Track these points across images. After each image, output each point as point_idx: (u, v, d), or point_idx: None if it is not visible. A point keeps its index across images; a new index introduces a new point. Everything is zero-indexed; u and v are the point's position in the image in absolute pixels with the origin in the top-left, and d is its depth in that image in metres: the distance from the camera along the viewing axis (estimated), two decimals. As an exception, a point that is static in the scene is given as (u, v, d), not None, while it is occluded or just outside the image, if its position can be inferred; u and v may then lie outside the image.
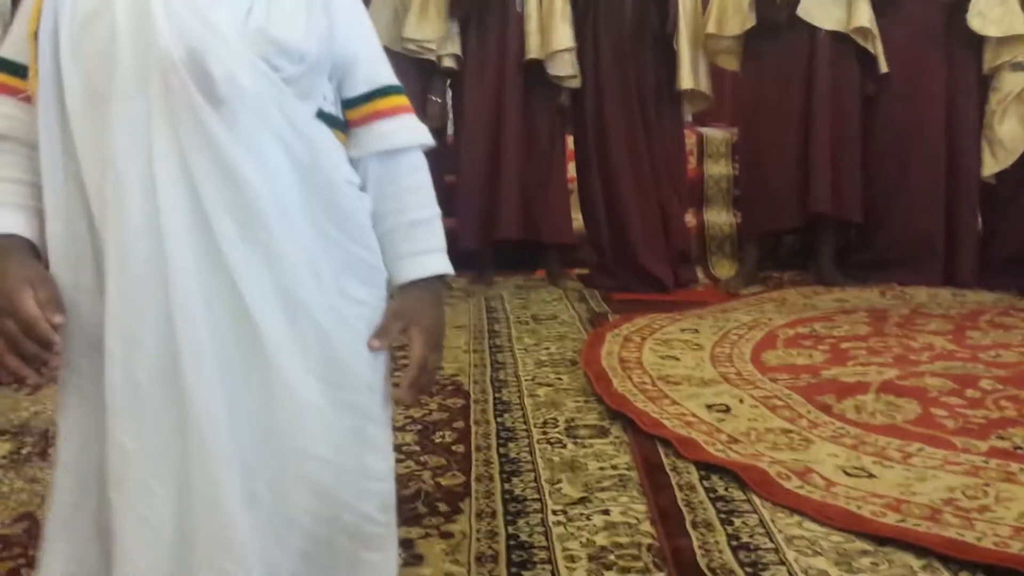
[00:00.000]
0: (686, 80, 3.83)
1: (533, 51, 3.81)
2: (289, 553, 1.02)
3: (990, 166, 3.67)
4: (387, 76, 1.12)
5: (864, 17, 3.68)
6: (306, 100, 1.02)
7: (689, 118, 4.71)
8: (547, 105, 3.95)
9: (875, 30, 3.72)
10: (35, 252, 1.01)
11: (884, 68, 3.76)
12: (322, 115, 1.06)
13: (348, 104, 1.10)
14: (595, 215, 4.00)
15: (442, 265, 1.15)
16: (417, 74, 3.84)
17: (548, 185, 3.98)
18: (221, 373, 0.98)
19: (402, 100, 1.13)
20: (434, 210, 1.14)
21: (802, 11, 3.69)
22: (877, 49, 3.75)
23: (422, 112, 3.87)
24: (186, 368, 0.97)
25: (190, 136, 0.96)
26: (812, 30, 3.72)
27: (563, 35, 3.77)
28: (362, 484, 1.07)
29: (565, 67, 3.81)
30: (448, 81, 3.99)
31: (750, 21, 3.76)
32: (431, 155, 1.15)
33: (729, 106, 4.93)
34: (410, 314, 1.12)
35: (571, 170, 4.14)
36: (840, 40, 3.74)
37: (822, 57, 3.74)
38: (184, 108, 0.96)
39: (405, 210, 1.12)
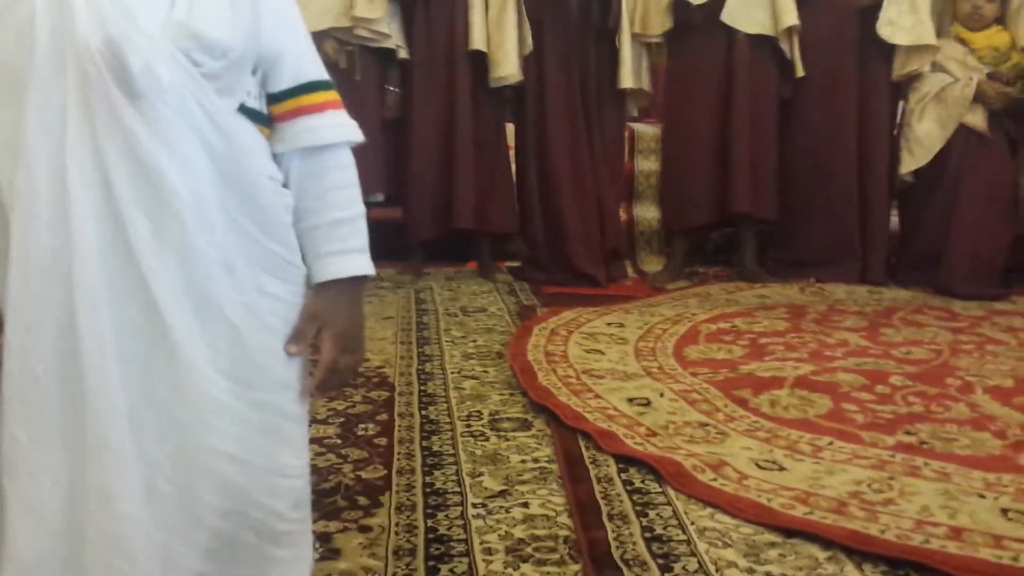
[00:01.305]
0: (626, 79, 3.86)
1: (477, 42, 3.79)
2: (193, 549, 1.02)
3: (908, 163, 3.78)
4: (314, 71, 1.11)
5: (792, 16, 3.76)
6: (227, 95, 1.01)
7: (635, 113, 4.74)
8: (493, 95, 3.95)
9: (797, 23, 3.80)
10: None
11: (800, 72, 3.85)
12: (245, 110, 1.05)
13: (272, 99, 1.09)
14: (531, 208, 4.02)
15: (362, 266, 1.13)
16: (375, 65, 3.84)
17: (495, 175, 3.98)
18: (123, 368, 0.98)
19: (330, 96, 1.12)
20: (358, 209, 1.13)
21: (726, 16, 3.75)
22: (795, 54, 3.84)
23: (381, 103, 3.87)
24: (86, 363, 0.96)
25: (105, 128, 0.95)
26: (731, 32, 3.79)
27: (512, 63, 3.76)
28: (273, 481, 1.07)
29: (509, 70, 3.80)
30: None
31: (668, 23, 3.81)
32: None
33: (660, 103, 4.99)
34: (324, 315, 1.11)
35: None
36: (759, 43, 3.82)
37: (740, 59, 3.81)
38: (100, 99, 0.94)
39: (327, 208, 1.10)
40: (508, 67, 3.79)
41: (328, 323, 1.11)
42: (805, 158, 3.94)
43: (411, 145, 3.88)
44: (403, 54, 3.86)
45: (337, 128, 1.11)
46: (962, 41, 3.75)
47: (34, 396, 0.98)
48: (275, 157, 1.09)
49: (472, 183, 3.89)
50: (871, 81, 3.86)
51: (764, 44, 3.83)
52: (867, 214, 3.93)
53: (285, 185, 1.09)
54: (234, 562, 1.06)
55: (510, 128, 4.13)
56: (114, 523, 0.98)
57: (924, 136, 3.72)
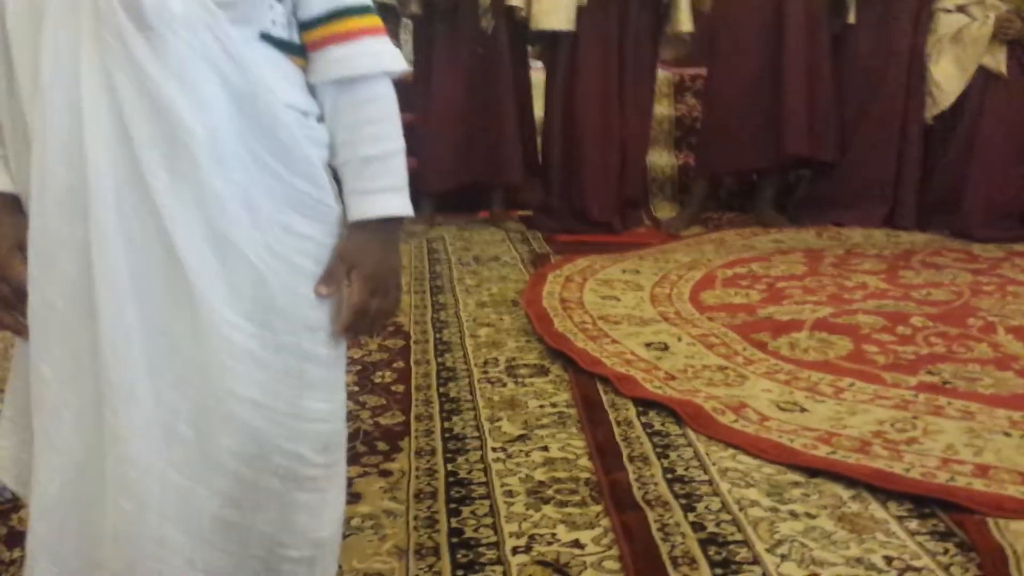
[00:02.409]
0: (685, 22, 3.74)
1: None
2: (213, 494, 1.00)
3: (930, 108, 3.72)
4: None
5: None
6: (244, 25, 0.96)
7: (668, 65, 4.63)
8: (517, 41, 3.87)
9: None
10: (19, 204, 0.99)
11: (852, 18, 3.75)
12: (270, 39, 1.00)
13: (304, 26, 1.04)
14: (551, 151, 3.96)
15: (394, 206, 1.07)
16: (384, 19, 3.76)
17: (514, 126, 3.89)
18: (141, 309, 0.95)
19: (366, 22, 1.05)
20: (393, 145, 1.07)
21: None
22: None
23: None
24: (101, 302, 0.94)
25: (118, 63, 0.91)
26: None
27: (568, 14, 3.64)
28: (298, 426, 1.04)
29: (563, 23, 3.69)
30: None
31: None
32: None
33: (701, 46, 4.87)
34: (353, 256, 1.06)
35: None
36: None
37: None
38: (112, 33, 0.91)
39: (359, 143, 1.05)
40: (561, 19, 3.66)
41: (357, 264, 1.06)
42: (853, 95, 3.84)
43: (431, 99, 3.81)
44: (415, 9, 3.77)
45: (371, 57, 1.04)
46: None
47: (55, 332, 0.96)
48: (312, 89, 1.05)
49: (495, 135, 3.82)
50: (923, 14, 3.75)
51: None
52: (903, 155, 3.85)
53: (322, 118, 1.05)
54: (257, 507, 1.03)
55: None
56: (121, 464, 0.96)
57: (944, 79, 3.64)
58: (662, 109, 4.53)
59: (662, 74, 4.61)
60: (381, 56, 1.05)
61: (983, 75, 3.61)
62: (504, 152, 3.92)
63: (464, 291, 3.04)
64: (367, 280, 1.07)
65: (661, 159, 4.40)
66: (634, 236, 3.89)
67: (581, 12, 3.72)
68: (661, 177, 4.33)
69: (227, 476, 1.01)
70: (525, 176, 4.01)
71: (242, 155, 0.96)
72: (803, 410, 2.04)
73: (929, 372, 2.26)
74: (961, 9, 3.66)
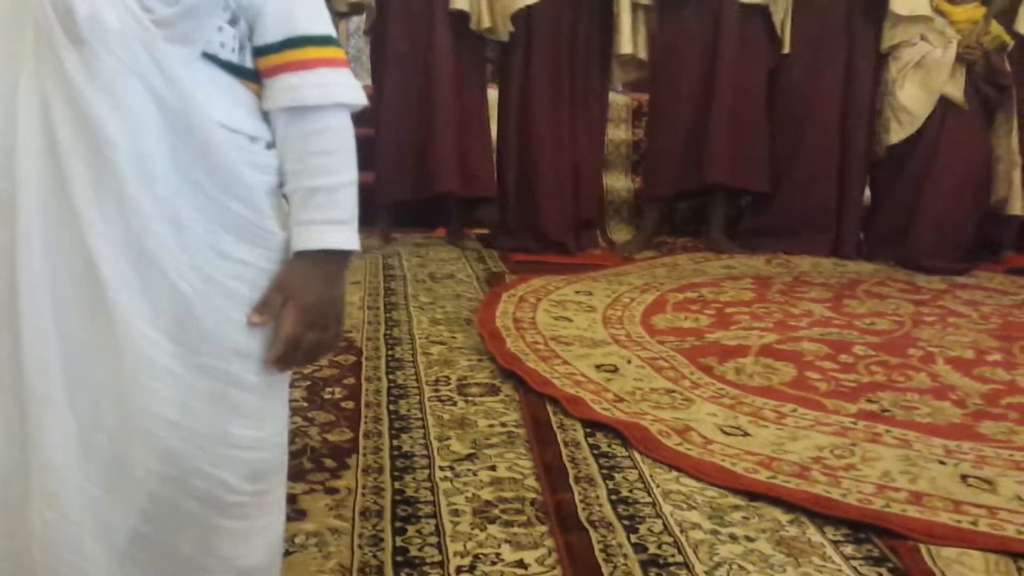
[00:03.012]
0: (624, 44, 3.82)
1: (458, 1, 3.74)
2: (130, 508, 0.99)
3: (897, 132, 3.78)
4: (305, 25, 1.03)
5: None
6: (183, 44, 0.96)
7: (619, 87, 4.69)
8: (473, 56, 3.91)
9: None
10: None
11: (787, 48, 3.86)
12: (217, 61, 1.00)
13: (258, 52, 1.03)
14: (506, 172, 3.99)
15: (336, 239, 1.05)
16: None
17: (473, 138, 3.93)
18: (60, 319, 0.95)
19: (323, 52, 1.03)
20: (341, 177, 1.05)
21: None
22: (786, 26, 3.84)
23: None
24: (22, 309, 0.95)
25: (51, 75, 0.92)
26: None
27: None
28: (221, 451, 1.02)
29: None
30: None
31: None
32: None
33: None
34: (291, 287, 1.04)
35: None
36: (749, 11, 3.80)
37: (729, 27, 3.79)
38: (48, 45, 0.92)
39: (305, 174, 1.04)
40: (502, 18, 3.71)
41: (294, 295, 1.04)
42: (788, 127, 3.94)
43: (382, 108, 3.83)
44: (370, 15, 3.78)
45: (323, 88, 1.03)
46: (941, 13, 3.76)
47: None
48: (266, 115, 1.05)
49: (452, 146, 3.84)
50: (858, 51, 3.87)
51: (754, 12, 3.82)
52: (844, 186, 3.95)
53: (272, 145, 1.05)
54: (177, 528, 1.02)
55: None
56: (42, 474, 0.96)
57: (910, 102, 3.72)
58: (620, 133, 4.60)
59: (620, 99, 4.68)
60: (334, 87, 1.04)
61: (941, 104, 3.70)
62: (475, 165, 3.94)
63: (418, 308, 3.05)
64: (303, 312, 1.04)
65: (618, 182, 4.45)
66: (589, 257, 3.93)
67: (533, 25, 3.77)
68: (617, 200, 4.38)
69: (145, 493, 1.00)
70: (493, 190, 4.04)
71: (172, 173, 0.96)
72: (746, 434, 2.08)
73: (869, 400, 2.31)
74: (921, 37, 3.76)
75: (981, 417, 2.23)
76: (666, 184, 4.03)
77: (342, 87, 1.05)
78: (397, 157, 3.79)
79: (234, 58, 1.02)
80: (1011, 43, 3.70)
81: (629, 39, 3.82)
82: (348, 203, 1.06)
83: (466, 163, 3.90)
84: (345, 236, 1.06)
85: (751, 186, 3.96)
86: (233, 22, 1.01)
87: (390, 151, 3.81)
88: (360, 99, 1.06)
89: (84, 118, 0.92)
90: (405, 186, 3.88)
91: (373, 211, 3.91)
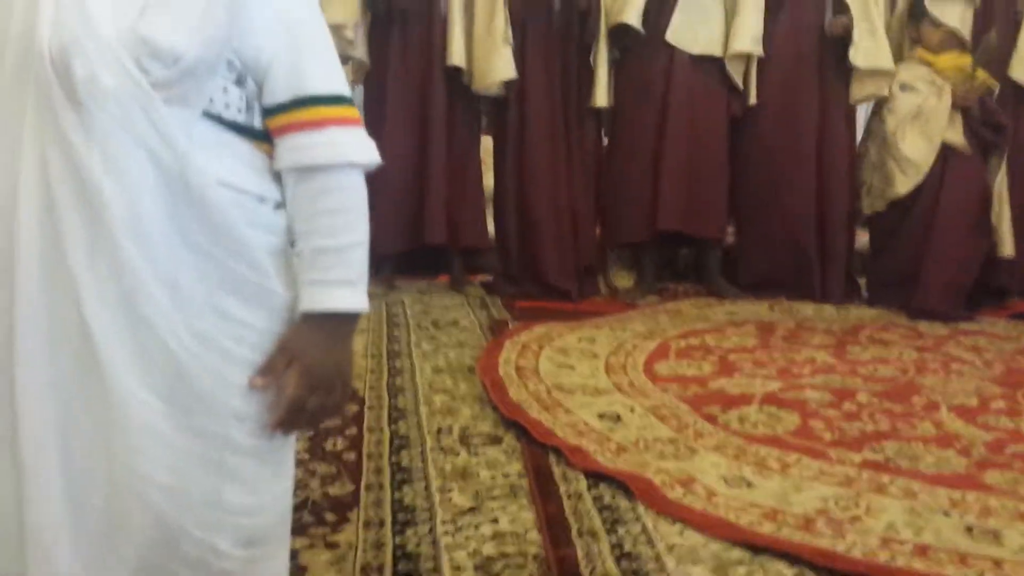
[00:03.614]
0: (600, 98, 3.88)
1: (455, 57, 3.79)
2: (122, 567, 0.98)
3: (904, 183, 3.79)
4: (316, 85, 1.03)
5: (745, 42, 3.80)
6: (181, 105, 0.96)
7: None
8: (467, 109, 3.96)
9: (757, 50, 3.84)
10: None
11: (753, 100, 3.90)
12: (222, 121, 1.00)
13: (267, 112, 1.04)
14: (506, 221, 4.02)
15: (344, 300, 1.03)
16: None
17: (466, 189, 3.98)
18: (56, 379, 0.96)
19: (335, 112, 1.03)
20: (350, 237, 1.04)
21: (671, 35, 3.78)
22: (751, 78, 3.89)
23: None
24: (18, 369, 0.95)
25: (50, 135, 0.93)
26: (675, 49, 3.81)
27: (506, 63, 3.74)
28: (214, 516, 1.01)
29: (504, 73, 3.79)
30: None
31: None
32: None
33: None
34: (296, 347, 1.03)
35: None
36: (704, 62, 3.84)
37: (680, 78, 3.84)
38: (47, 105, 0.93)
39: (314, 234, 1.04)
40: (501, 71, 3.76)
41: (299, 356, 1.03)
42: (762, 179, 3.97)
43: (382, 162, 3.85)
44: (359, 53, 3.81)
45: (331, 147, 1.02)
46: (926, 63, 3.80)
47: None
48: (277, 175, 1.05)
49: (443, 197, 3.89)
50: (830, 103, 3.91)
51: (710, 63, 3.87)
52: (825, 235, 3.96)
53: (282, 205, 1.05)
54: None
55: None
56: (33, 534, 0.96)
57: (913, 153, 3.74)
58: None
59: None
60: (344, 146, 1.04)
61: (942, 150, 3.72)
62: (467, 216, 3.98)
63: (421, 356, 3.05)
64: (307, 374, 1.03)
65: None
66: (592, 304, 3.94)
67: (526, 76, 3.82)
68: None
69: (135, 554, 0.99)
70: (485, 240, 4.07)
71: (170, 234, 0.96)
72: (750, 485, 2.07)
73: (873, 449, 2.30)
74: (907, 87, 3.79)
75: (986, 467, 2.21)
76: (623, 232, 4.05)
77: (352, 146, 1.04)
78: (391, 209, 3.81)
79: (240, 118, 1.02)
80: (997, 87, 3.74)
81: (605, 92, 3.88)
82: (356, 263, 1.05)
83: (457, 214, 3.94)
84: (352, 297, 1.05)
85: (705, 233, 3.99)
86: (240, 82, 1.02)
87: (384, 203, 3.83)
88: (372, 158, 1.06)
89: (80, 178, 0.93)
90: (399, 238, 3.90)
91: (376, 259, 3.92)
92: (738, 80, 3.92)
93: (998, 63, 3.78)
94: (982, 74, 3.73)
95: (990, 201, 3.79)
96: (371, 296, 3.55)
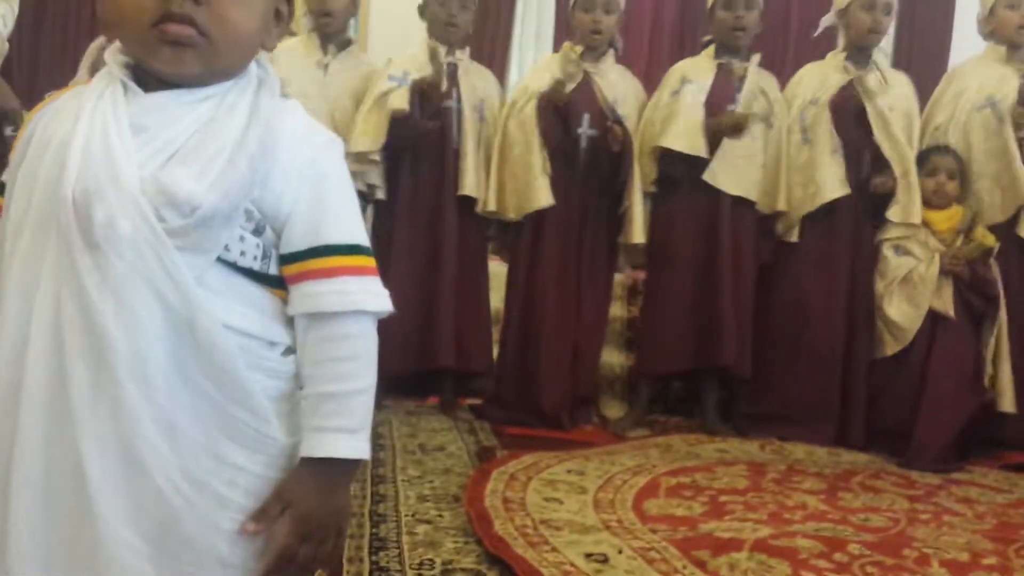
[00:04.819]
0: (637, 234, 3.91)
1: (468, 188, 3.89)
2: None
3: (891, 346, 3.82)
4: (332, 234, 1.05)
5: (786, 201, 3.93)
6: (196, 253, 0.98)
7: (628, 269, 4.79)
8: (476, 234, 4.04)
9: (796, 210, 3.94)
10: None
11: (795, 237, 3.97)
12: (237, 268, 1.02)
13: (284, 260, 1.06)
14: (507, 344, 4.04)
15: (343, 447, 1.03)
16: None
17: (473, 313, 4.02)
18: (47, 515, 0.96)
19: (348, 261, 1.05)
20: (356, 384, 1.05)
21: (708, 176, 3.87)
22: (792, 232, 3.97)
23: None
24: (11, 501, 0.95)
25: (65, 277, 0.96)
26: (716, 188, 3.89)
27: (545, 192, 3.82)
28: None
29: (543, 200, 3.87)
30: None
31: (654, 172, 3.94)
32: None
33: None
34: (291, 494, 1.03)
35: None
36: (743, 203, 3.93)
37: (723, 217, 3.91)
38: (65, 248, 0.96)
39: (320, 380, 1.05)
40: (540, 199, 3.84)
41: (293, 503, 1.02)
42: (793, 318, 3.99)
43: (388, 285, 3.89)
44: (380, 195, 3.92)
45: (343, 295, 1.04)
46: (924, 223, 3.85)
47: None
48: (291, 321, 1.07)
49: (452, 322, 3.92)
50: (863, 249, 3.97)
51: (747, 205, 3.94)
52: (850, 377, 3.96)
53: (292, 350, 1.06)
54: None
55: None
56: None
57: (900, 318, 3.77)
58: (615, 310, 4.65)
59: (617, 276, 4.77)
60: (354, 295, 1.05)
61: (931, 316, 3.75)
62: (473, 340, 3.99)
63: (406, 482, 3.00)
64: (300, 522, 1.02)
65: (612, 358, 4.48)
66: (581, 433, 3.90)
67: (542, 213, 3.89)
68: (611, 376, 4.39)
69: None
70: (489, 365, 4.07)
71: (172, 376, 0.97)
72: (739, 640, 2.01)
73: (865, 605, 2.25)
74: (902, 250, 3.86)
75: (981, 630, 2.16)
76: (663, 361, 4.05)
77: (364, 294, 1.06)
78: (397, 333, 3.82)
79: (256, 266, 1.04)
80: (996, 245, 3.79)
81: (642, 229, 3.92)
82: (360, 410, 1.06)
83: (464, 340, 3.95)
84: (352, 444, 1.04)
85: (742, 370, 3.99)
86: (257, 232, 1.04)
87: (390, 328, 3.84)
88: (383, 306, 1.07)
89: (90, 319, 0.95)
90: (403, 360, 3.89)
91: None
92: (779, 228, 4.01)
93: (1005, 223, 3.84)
94: (979, 232, 3.79)
95: (982, 365, 3.79)
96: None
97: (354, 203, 1.09)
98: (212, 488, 0.99)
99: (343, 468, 1.05)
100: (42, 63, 6.57)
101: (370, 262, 1.08)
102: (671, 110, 3.90)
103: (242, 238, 1.02)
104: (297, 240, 1.05)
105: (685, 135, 3.84)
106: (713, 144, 3.86)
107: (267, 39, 1.08)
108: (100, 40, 3.49)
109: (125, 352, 0.95)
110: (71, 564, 0.96)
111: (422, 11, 4.02)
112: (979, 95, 3.91)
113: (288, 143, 1.04)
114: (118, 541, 0.95)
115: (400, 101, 3.73)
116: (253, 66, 1.08)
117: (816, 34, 4.16)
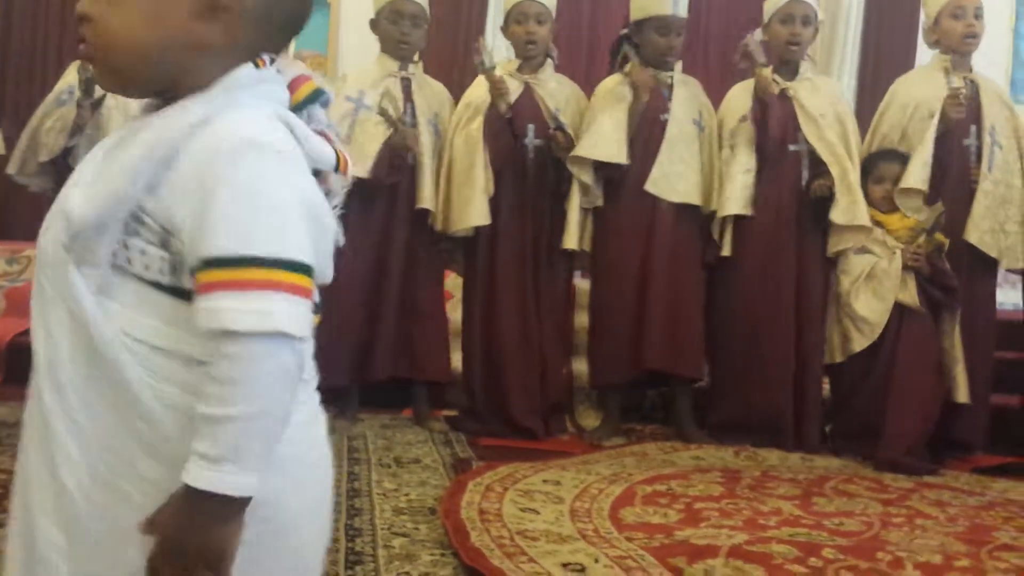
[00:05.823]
0: (571, 240, 3.95)
1: (426, 201, 3.89)
2: None
3: (859, 342, 3.85)
4: (209, 247, 0.97)
5: (734, 206, 3.95)
6: (87, 265, 1.03)
7: (579, 274, 4.82)
8: (429, 247, 4.04)
9: (746, 211, 3.97)
10: None
11: (727, 252, 4.00)
12: (145, 281, 1.02)
13: (191, 272, 1.01)
14: (472, 357, 4.03)
15: (198, 476, 0.95)
16: None
17: (426, 324, 4.01)
18: (19, 516, 1.09)
19: (225, 275, 0.96)
20: (229, 411, 0.95)
21: (651, 186, 3.90)
22: (726, 233, 4.01)
23: None
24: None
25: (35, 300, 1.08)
26: (656, 196, 3.93)
27: (482, 211, 3.85)
28: None
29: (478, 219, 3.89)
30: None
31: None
32: None
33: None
34: (158, 515, 0.98)
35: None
36: (684, 209, 3.96)
37: (662, 224, 3.94)
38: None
39: (202, 399, 0.97)
40: (476, 218, 3.86)
41: (155, 524, 0.98)
42: (740, 325, 4.03)
43: (331, 292, 3.87)
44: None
45: (207, 313, 0.96)
46: (878, 223, 3.92)
47: None
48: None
49: (395, 332, 3.93)
50: (807, 256, 4.01)
51: (689, 211, 3.99)
52: (802, 384, 3.99)
53: (203, 363, 1.02)
54: None
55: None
56: None
57: (867, 313, 3.82)
58: (582, 319, 4.66)
59: (586, 285, 4.78)
60: (224, 313, 0.96)
61: (897, 310, 3.80)
62: (431, 349, 3.98)
63: (382, 495, 2.99)
64: (161, 545, 0.98)
65: (584, 367, 4.48)
66: (557, 443, 3.91)
67: (498, 216, 3.91)
68: (586, 385, 4.40)
69: None
70: (447, 375, 4.06)
71: (80, 385, 1.03)
72: (716, 647, 2.01)
73: (840, 609, 2.26)
74: (862, 249, 3.91)
75: (954, 631, 2.18)
76: (610, 371, 4.07)
77: (236, 312, 0.95)
78: (337, 344, 3.77)
79: (163, 279, 1.02)
80: (947, 243, 3.86)
81: (575, 235, 3.95)
82: (228, 440, 0.95)
83: (417, 348, 3.98)
84: (209, 476, 0.95)
85: (690, 373, 4.01)
86: (164, 245, 1.01)
87: (332, 339, 3.79)
88: (267, 326, 0.95)
89: (36, 338, 1.06)
90: (350, 370, 3.89)
91: (342, 390, 3.89)
92: (714, 232, 4.04)
93: (950, 224, 3.91)
94: (938, 233, 3.86)
95: (944, 356, 3.86)
96: (333, 430, 3.48)
97: (254, 209, 0.97)
98: (122, 491, 1.01)
99: (206, 501, 0.96)
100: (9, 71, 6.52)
101: (256, 275, 0.96)
102: (595, 119, 3.93)
103: (143, 251, 1.01)
104: (190, 252, 1.00)
105: (604, 144, 3.88)
106: (645, 143, 3.91)
107: (205, 36, 1.03)
108: None
109: (42, 360, 1.04)
110: (26, 564, 1.04)
111: (374, 27, 4.03)
112: (923, 107, 3.96)
113: (194, 151, 0.99)
114: (41, 535, 1.02)
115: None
116: (238, 73, 1.03)
117: (746, 50, 4.02)
